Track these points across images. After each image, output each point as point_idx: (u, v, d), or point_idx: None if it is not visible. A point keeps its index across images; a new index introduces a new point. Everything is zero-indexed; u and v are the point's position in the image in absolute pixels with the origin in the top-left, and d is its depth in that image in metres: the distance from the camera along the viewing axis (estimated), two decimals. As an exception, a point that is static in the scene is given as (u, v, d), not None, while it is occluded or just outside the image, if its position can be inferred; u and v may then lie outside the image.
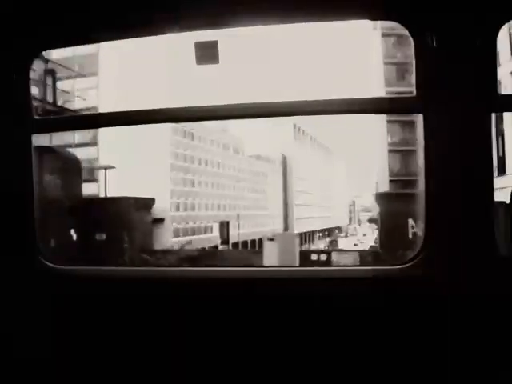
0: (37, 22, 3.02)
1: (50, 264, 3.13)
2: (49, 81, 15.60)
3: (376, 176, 35.69)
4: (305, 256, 15.88)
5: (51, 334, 3.01)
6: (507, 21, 2.69)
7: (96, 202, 16.29)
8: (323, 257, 15.38)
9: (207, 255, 17.99)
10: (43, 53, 16.63)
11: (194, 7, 2.86)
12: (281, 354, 2.79)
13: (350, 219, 54.22)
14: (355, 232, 52.23)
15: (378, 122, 34.52)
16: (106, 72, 30.37)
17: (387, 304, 2.68)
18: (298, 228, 45.00)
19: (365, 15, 2.94)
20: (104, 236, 15.79)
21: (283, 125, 43.10)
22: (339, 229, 51.11)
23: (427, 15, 2.64)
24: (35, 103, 15.60)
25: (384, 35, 33.12)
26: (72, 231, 15.70)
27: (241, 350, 2.84)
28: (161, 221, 17.32)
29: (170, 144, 35.21)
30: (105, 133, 30.04)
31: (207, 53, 3.06)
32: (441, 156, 2.64)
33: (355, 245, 45.53)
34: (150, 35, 3.11)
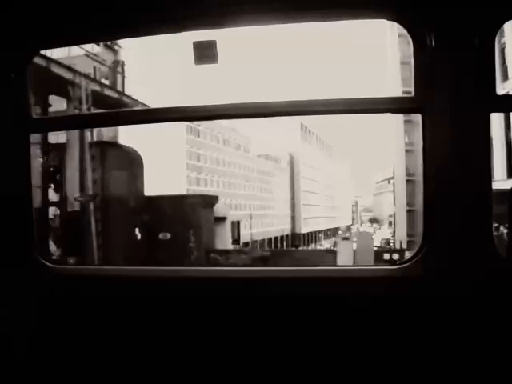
0: (36, 22, 3.00)
1: (47, 263, 3.11)
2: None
3: (393, 175, 35.77)
4: (377, 255, 15.75)
5: (48, 333, 2.99)
6: (506, 21, 2.67)
7: (160, 200, 15.74)
8: (395, 256, 15.26)
9: (278, 255, 17.66)
10: (114, 43, 16.14)
11: (203, 6, 2.85)
12: (281, 353, 2.78)
13: (353, 219, 54.41)
14: (359, 232, 52.38)
15: (389, 122, 34.65)
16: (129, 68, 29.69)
17: (387, 303, 2.68)
18: (306, 228, 44.97)
19: (363, 15, 2.91)
20: (168, 235, 15.30)
21: (291, 124, 43.04)
22: (339, 229, 51.20)
23: (426, 15, 2.63)
24: (109, 92, 15.06)
25: (401, 35, 33.21)
26: (137, 230, 15.22)
27: (240, 351, 2.83)
28: (222, 219, 16.93)
29: (186, 143, 34.83)
30: (126, 131, 29.28)
31: (206, 53, 3.01)
32: (440, 156, 2.64)
33: (361, 244, 45.48)
34: (150, 35, 3.13)
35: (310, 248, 41.95)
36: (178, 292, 2.90)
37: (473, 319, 2.59)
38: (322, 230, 46.98)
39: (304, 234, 45.12)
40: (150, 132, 28.37)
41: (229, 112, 3.16)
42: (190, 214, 15.29)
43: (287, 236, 44.19)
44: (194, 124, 35.04)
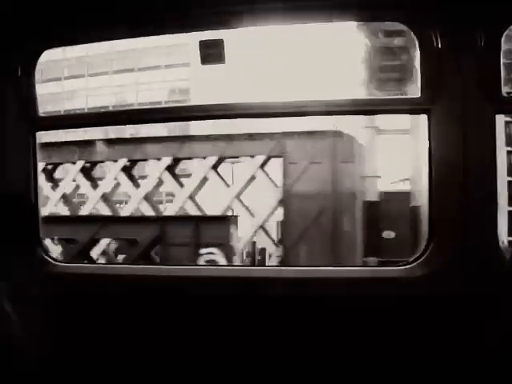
0: (43, 21, 3.06)
1: (53, 261, 3.18)
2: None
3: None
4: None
5: (52, 331, 2.97)
6: None
7: (384, 195, 14.20)
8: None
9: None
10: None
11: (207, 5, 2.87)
12: (280, 354, 2.78)
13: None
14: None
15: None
16: (197, 63, 27.50)
17: (391, 304, 2.69)
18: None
19: (369, 16, 2.99)
20: (392, 234, 13.66)
21: (312, 122, 42.33)
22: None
23: (432, 16, 2.66)
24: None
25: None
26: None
27: (238, 351, 2.84)
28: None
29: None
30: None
31: (212, 52, 2.95)
32: (445, 157, 2.66)
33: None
34: (154, 35, 3.21)
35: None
36: (181, 291, 2.90)
37: (477, 320, 2.58)
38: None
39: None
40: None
41: (237, 112, 3.15)
42: (418, 209, 13.68)
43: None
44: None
